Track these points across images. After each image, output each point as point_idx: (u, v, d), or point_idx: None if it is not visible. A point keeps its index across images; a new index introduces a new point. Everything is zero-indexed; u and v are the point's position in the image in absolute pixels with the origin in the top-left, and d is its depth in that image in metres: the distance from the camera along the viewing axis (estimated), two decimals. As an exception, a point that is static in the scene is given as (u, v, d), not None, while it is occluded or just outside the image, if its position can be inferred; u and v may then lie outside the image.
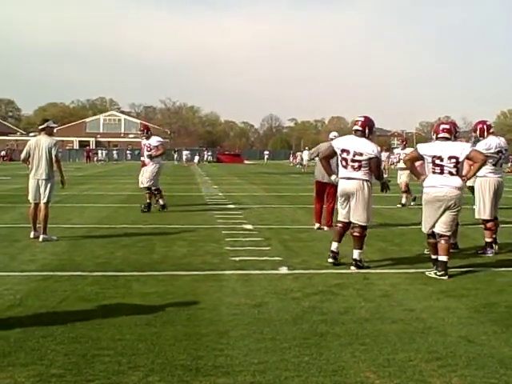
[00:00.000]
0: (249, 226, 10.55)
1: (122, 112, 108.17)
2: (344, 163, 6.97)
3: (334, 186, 10.63)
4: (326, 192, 10.63)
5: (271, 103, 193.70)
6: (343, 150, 6.96)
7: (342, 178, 7.04)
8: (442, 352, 4.11)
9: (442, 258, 6.54)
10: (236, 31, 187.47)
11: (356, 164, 6.88)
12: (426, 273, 6.62)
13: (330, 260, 7.01)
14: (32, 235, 8.91)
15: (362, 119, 7.06)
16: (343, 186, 7.01)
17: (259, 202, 15.69)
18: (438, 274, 6.49)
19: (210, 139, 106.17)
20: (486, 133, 8.07)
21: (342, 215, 7.13)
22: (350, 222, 7.07)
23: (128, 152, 73.67)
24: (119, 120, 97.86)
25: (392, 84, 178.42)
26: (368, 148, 6.89)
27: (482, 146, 7.75)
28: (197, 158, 62.39)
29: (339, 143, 7.14)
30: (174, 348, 4.12)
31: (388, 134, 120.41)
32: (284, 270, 6.85)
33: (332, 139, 11.14)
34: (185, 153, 61.89)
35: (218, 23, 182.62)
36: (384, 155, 38.87)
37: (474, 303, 5.44)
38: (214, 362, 3.86)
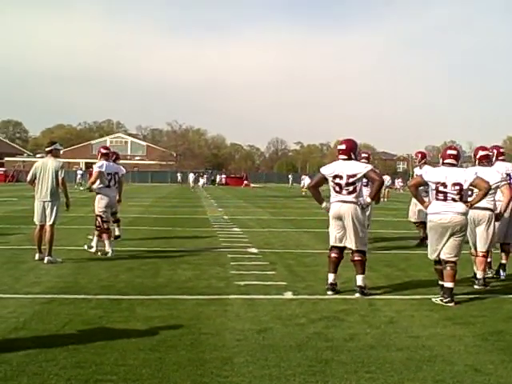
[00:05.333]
0: (254, 250, 10.53)
1: (129, 134, 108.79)
2: (338, 188, 6.93)
3: None
4: None
5: (277, 127, 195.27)
6: (336, 176, 6.94)
7: (335, 202, 6.98)
8: (448, 381, 4.06)
9: (448, 284, 6.49)
10: (243, 56, 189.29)
11: (351, 187, 6.86)
12: (432, 299, 6.57)
13: (329, 292, 6.90)
14: (37, 257, 8.90)
15: (344, 147, 7.03)
16: (337, 209, 6.92)
17: (265, 226, 15.67)
18: (444, 300, 6.44)
19: (216, 162, 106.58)
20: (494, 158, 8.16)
21: (335, 240, 7.00)
22: (343, 248, 7.02)
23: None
24: (126, 142, 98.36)
25: (398, 108, 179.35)
26: (359, 167, 6.94)
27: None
28: (202, 180, 61.61)
29: (329, 170, 7.07)
30: (177, 374, 4.08)
31: (394, 158, 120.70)
32: (289, 295, 6.81)
33: None
34: (191, 175, 60.96)
35: (225, 48, 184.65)
36: (385, 178, 38.87)
37: (481, 331, 5.38)
38: (218, 389, 3.82)
